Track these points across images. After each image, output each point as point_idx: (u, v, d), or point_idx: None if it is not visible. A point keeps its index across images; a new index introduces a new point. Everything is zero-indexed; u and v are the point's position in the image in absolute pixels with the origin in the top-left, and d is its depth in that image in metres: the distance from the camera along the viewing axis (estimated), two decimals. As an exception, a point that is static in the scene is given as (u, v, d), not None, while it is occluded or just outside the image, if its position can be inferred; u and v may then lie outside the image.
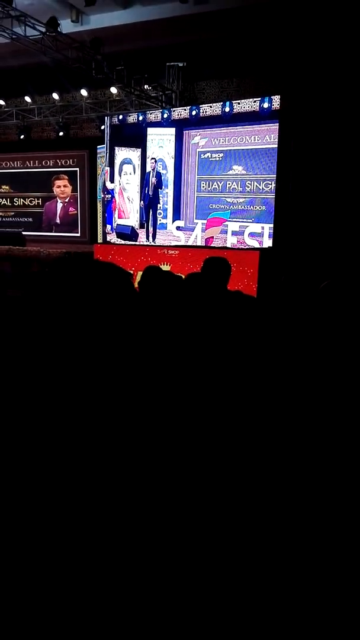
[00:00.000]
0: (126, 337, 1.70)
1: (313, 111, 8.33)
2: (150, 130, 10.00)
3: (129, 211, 10.46)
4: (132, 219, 10.42)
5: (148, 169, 9.96)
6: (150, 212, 9.96)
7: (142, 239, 10.14)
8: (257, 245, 8.59)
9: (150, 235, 10.02)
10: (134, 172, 10.31)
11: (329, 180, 8.29)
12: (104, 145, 10.55)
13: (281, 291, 3.03)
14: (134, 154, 10.25)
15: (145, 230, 10.10)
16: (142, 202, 10.04)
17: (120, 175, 10.57)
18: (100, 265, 1.43)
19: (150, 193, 9.88)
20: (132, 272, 7.37)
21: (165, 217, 9.96)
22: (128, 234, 10.33)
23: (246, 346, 1.76)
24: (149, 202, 9.93)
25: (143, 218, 10.15)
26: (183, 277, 2.78)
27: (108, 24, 9.21)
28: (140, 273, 3.19)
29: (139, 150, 10.15)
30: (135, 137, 10.19)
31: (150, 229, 10.01)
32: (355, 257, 7.58)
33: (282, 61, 8.67)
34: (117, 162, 10.58)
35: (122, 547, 1.06)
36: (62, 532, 1.06)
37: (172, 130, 9.71)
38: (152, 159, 9.85)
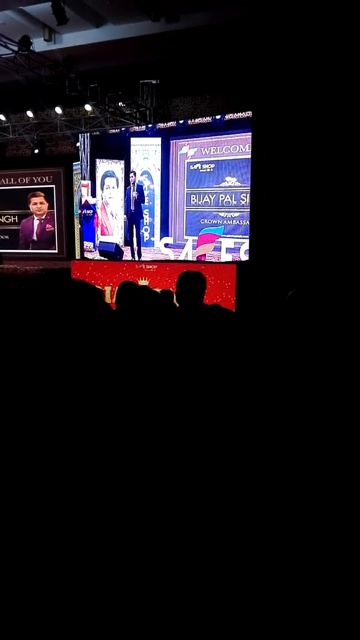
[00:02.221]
0: (102, 352, 1.70)
1: (284, 124, 8.48)
2: (133, 140, 9.53)
3: (112, 227, 9.95)
4: (116, 235, 9.91)
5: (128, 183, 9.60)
6: (134, 229, 9.51)
7: (127, 257, 9.58)
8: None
9: (136, 252, 9.53)
10: (117, 186, 9.80)
11: (302, 191, 8.41)
12: (79, 162, 10.45)
13: (258, 304, 3.05)
14: (117, 166, 9.77)
15: (130, 248, 9.59)
16: (124, 216, 9.62)
17: (102, 189, 10.01)
18: (71, 283, 1.42)
19: (132, 208, 9.46)
20: (101, 289, 7.31)
21: (152, 233, 9.41)
22: (112, 252, 9.82)
23: (221, 358, 1.77)
24: (131, 218, 9.51)
25: (127, 235, 9.68)
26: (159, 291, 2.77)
27: (81, 43, 9.28)
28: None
29: (122, 162, 9.65)
30: (118, 148, 9.68)
31: (135, 247, 9.53)
32: (328, 263, 7.69)
33: (252, 76, 8.83)
34: (99, 175, 10.04)
35: (122, 547, 1.06)
36: (62, 532, 1.05)
37: (158, 140, 9.21)
38: (132, 171, 9.44)
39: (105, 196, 10.04)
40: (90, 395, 1.45)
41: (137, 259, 9.41)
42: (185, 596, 1.04)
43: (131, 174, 9.50)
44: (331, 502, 1.31)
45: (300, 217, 8.40)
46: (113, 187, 9.90)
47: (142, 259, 9.39)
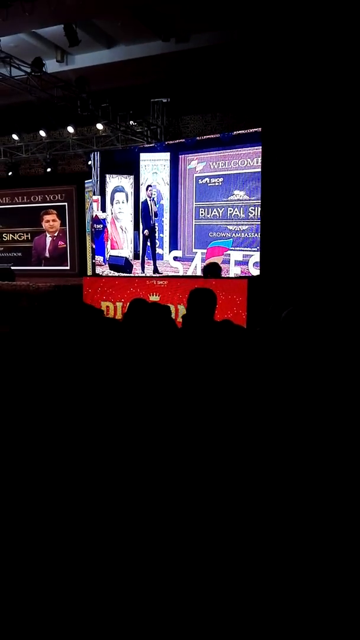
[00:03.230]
0: (113, 370, 1.69)
1: (294, 138, 8.51)
2: (143, 155, 9.62)
3: (122, 241, 10.02)
4: (125, 249, 9.98)
5: (143, 197, 9.53)
6: (149, 243, 9.51)
7: (136, 270, 9.62)
8: (264, 275, 8.33)
9: (150, 267, 9.52)
10: (127, 201, 9.88)
11: (313, 204, 8.41)
12: (91, 180, 10.58)
13: (269, 320, 3.03)
14: (126, 181, 9.86)
15: (140, 262, 9.62)
16: (145, 231, 9.56)
17: (112, 203, 10.07)
18: (78, 306, 1.44)
19: (153, 222, 9.41)
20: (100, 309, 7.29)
21: (161, 247, 9.50)
22: (122, 265, 9.89)
23: (230, 374, 1.76)
24: (150, 232, 9.48)
25: (137, 248, 9.70)
26: (172, 307, 2.77)
27: (93, 63, 9.44)
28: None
29: (132, 177, 9.73)
30: (127, 164, 9.78)
31: (149, 261, 9.55)
32: (338, 277, 7.65)
33: (262, 93, 8.91)
34: (109, 190, 10.13)
35: (122, 547, 1.05)
36: (63, 532, 1.05)
37: (167, 155, 9.29)
38: (149, 185, 9.44)
39: (115, 211, 10.12)
40: (100, 410, 1.44)
41: (151, 274, 9.38)
42: (185, 595, 1.03)
43: (150, 188, 9.47)
44: (331, 503, 1.30)
45: (311, 231, 8.39)
46: (123, 202, 9.99)
47: (149, 272, 9.45)
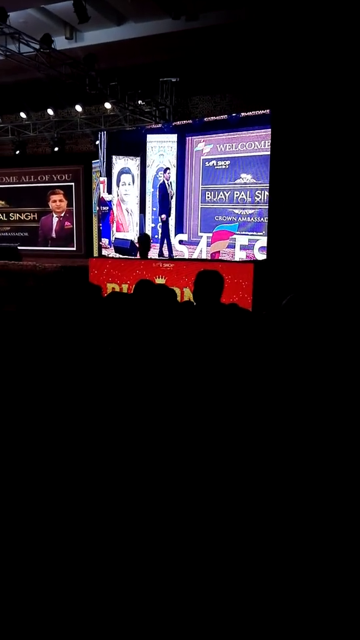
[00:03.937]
0: (119, 351, 1.70)
1: (305, 121, 8.41)
2: (150, 137, 9.51)
3: (127, 224, 9.92)
4: (131, 232, 9.87)
5: (151, 179, 9.37)
6: (190, 225, 9.26)
7: (153, 254, 9.42)
8: (269, 260, 8.20)
9: (166, 250, 9.35)
10: (133, 183, 9.77)
11: (321, 188, 8.34)
12: (99, 160, 10.50)
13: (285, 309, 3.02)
14: (133, 163, 9.74)
15: (159, 248, 9.42)
16: (163, 215, 9.40)
17: (118, 185, 9.96)
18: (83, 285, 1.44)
19: (170, 205, 9.22)
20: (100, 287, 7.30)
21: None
22: (127, 248, 9.79)
23: (237, 356, 1.77)
24: (167, 215, 9.33)
25: (143, 230, 9.54)
26: (177, 290, 2.77)
27: (102, 41, 9.31)
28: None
29: (138, 158, 9.62)
30: (134, 145, 9.65)
31: (165, 245, 9.38)
32: (340, 266, 7.61)
33: (272, 74, 8.78)
34: (115, 171, 10.02)
35: (122, 547, 1.06)
36: (63, 532, 1.06)
37: (174, 137, 9.18)
38: (166, 168, 9.26)
39: (121, 193, 10.02)
40: (103, 393, 1.45)
41: (168, 256, 9.25)
42: (185, 594, 1.04)
43: (168, 171, 9.30)
44: (330, 503, 1.31)
45: (319, 216, 8.33)
46: (129, 184, 9.87)
47: (157, 254, 9.36)
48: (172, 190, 9.27)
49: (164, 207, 9.38)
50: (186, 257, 9.02)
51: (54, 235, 12.65)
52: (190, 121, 9.13)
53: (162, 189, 9.40)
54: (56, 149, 11.76)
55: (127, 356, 1.63)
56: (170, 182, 9.30)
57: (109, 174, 10.16)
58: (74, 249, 12.37)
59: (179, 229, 9.29)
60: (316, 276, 7.36)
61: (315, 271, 7.60)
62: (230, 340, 1.78)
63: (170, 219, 9.39)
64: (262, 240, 8.27)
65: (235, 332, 1.85)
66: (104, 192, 10.30)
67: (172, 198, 9.30)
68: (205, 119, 8.92)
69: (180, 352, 1.66)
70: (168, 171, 9.32)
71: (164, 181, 9.36)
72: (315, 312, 1.85)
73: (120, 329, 1.74)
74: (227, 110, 9.64)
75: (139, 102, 10.23)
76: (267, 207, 8.25)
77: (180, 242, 9.30)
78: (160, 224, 9.52)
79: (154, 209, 9.63)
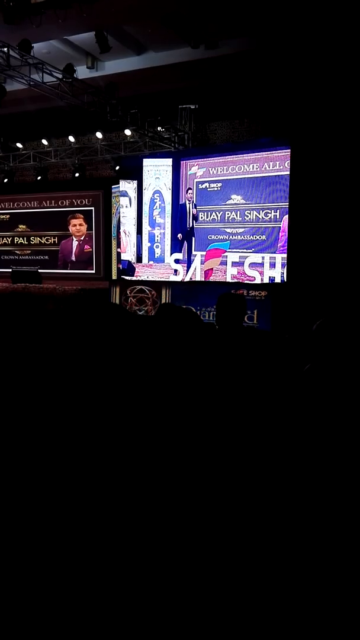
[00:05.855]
0: (140, 374, 1.69)
1: (324, 146, 8.45)
2: (146, 161, 10.00)
3: (125, 245, 10.29)
4: (128, 252, 10.25)
5: (182, 200, 9.61)
6: (185, 245, 9.60)
7: (138, 274, 9.96)
8: (257, 275, 8.54)
9: (184, 270, 9.57)
10: (130, 205, 10.21)
11: (341, 211, 8.33)
12: (118, 185, 10.71)
13: (298, 328, 2.99)
14: (130, 186, 10.17)
15: (186, 267, 9.66)
16: (179, 235, 9.67)
17: None
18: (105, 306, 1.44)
19: (189, 226, 9.52)
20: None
21: (163, 250, 9.87)
22: (124, 268, 10.25)
23: (262, 379, 1.74)
24: (186, 236, 9.58)
25: (140, 252, 9.99)
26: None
27: (122, 70, 9.54)
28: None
29: (135, 182, 10.07)
30: (132, 169, 10.18)
31: (183, 264, 9.63)
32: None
33: (291, 101, 8.87)
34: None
35: (122, 547, 1.04)
36: (63, 532, 1.05)
37: (169, 161, 9.67)
38: (189, 188, 9.50)
39: (119, 215, 10.48)
40: (125, 414, 1.44)
41: (188, 277, 9.51)
42: (185, 595, 1.02)
43: (190, 191, 9.52)
44: (330, 504, 1.28)
45: (336, 239, 8.31)
46: (126, 206, 10.28)
47: (154, 273, 9.72)
48: (195, 210, 9.48)
49: (182, 226, 9.65)
50: (181, 275, 9.46)
51: (73, 258, 12.81)
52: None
53: (183, 208, 9.63)
54: (77, 174, 11.98)
55: (152, 379, 1.61)
56: (193, 202, 9.49)
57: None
58: (93, 271, 12.49)
59: (175, 248, 9.73)
60: (338, 299, 7.30)
61: (337, 294, 7.54)
62: (260, 365, 1.75)
63: (165, 239, 9.81)
64: (252, 257, 8.76)
65: (264, 356, 1.83)
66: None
67: (190, 217, 9.54)
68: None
69: (207, 376, 1.64)
70: (190, 191, 9.51)
71: (185, 201, 9.56)
72: (349, 338, 1.82)
73: (144, 352, 1.72)
74: (245, 136, 9.76)
75: (159, 128, 10.41)
76: (256, 225, 8.73)
77: (176, 260, 9.69)
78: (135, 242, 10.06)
79: (150, 229, 10.03)
